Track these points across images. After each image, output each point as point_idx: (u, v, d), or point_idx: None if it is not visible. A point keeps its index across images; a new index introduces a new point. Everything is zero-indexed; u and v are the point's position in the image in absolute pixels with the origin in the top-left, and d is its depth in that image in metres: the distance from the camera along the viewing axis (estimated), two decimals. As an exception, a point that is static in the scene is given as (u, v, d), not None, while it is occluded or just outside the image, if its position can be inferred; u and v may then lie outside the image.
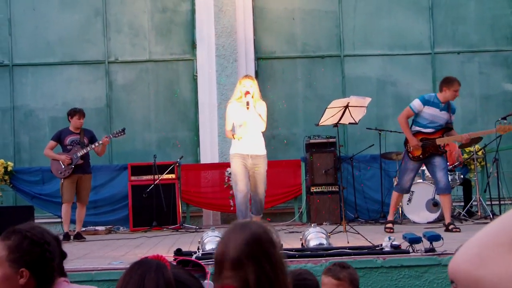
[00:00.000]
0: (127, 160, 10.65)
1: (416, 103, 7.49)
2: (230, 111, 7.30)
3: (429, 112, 7.45)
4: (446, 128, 7.53)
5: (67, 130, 8.60)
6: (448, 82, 7.45)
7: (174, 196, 9.87)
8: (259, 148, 7.18)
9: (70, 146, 8.46)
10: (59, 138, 8.57)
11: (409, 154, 7.52)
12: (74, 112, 8.56)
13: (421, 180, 9.28)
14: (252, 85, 7.18)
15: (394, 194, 7.75)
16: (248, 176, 7.13)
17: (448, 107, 7.50)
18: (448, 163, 9.38)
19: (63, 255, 2.34)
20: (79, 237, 8.25)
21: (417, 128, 7.56)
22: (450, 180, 9.25)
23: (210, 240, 5.21)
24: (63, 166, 8.37)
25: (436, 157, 7.49)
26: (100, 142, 8.51)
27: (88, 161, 8.62)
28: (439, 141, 7.44)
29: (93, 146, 8.47)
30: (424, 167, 8.69)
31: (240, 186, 7.10)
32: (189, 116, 11.54)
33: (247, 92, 7.12)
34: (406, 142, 7.61)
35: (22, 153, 11.37)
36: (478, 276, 0.97)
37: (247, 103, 7.06)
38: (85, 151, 8.42)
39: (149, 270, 1.27)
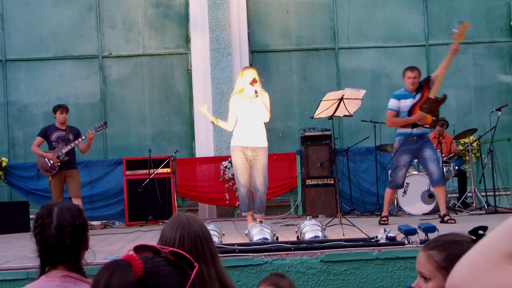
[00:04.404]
0: (122, 155, 10.64)
1: (392, 102, 7.67)
2: (233, 104, 7.15)
3: (406, 104, 7.58)
4: (426, 84, 7.59)
5: (53, 126, 8.64)
6: (402, 74, 7.74)
7: (169, 190, 9.86)
8: (260, 140, 7.07)
9: (56, 143, 8.49)
10: (45, 134, 8.61)
11: (425, 126, 7.47)
12: (57, 107, 8.67)
13: (416, 172, 9.30)
14: (254, 74, 7.08)
15: (388, 191, 7.77)
16: (250, 169, 7.08)
17: (419, 90, 7.58)
18: (443, 155, 9.43)
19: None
20: None
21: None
22: (445, 171, 9.30)
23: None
24: (49, 164, 8.39)
25: (427, 149, 7.53)
26: (84, 137, 8.52)
27: (73, 157, 8.65)
28: (431, 94, 7.44)
29: (77, 141, 8.49)
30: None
31: (242, 180, 7.06)
32: (184, 110, 11.53)
33: (254, 80, 6.98)
34: (419, 119, 7.49)
35: (17, 148, 11.35)
36: None
37: (256, 92, 6.93)
38: (69, 147, 8.45)
39: (114, 273, 1.25)
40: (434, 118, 7.46)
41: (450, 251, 2.12)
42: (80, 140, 8.51)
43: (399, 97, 7.63)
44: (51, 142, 8.53)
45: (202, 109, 7.42)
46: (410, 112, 7.53)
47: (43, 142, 8.63)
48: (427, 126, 7.50)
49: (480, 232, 1.96)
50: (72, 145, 8.47)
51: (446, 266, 2.09)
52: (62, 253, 2.36)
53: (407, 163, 7.65)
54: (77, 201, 8.44)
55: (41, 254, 2.39)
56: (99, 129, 8.84)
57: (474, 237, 1.99)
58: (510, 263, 1.01)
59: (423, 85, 7.56)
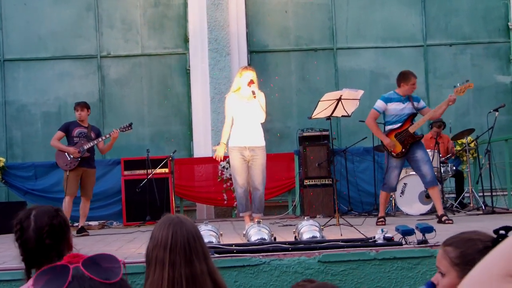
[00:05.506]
0: (120, 155, 10.63)
1: (379, 103, 7.69)
2: (229, 104, 7.14)
3: (394, 107, 7.62)
4: (412, 116, 7.68)
5: (76, 123, 8.60)
6: (405, 77, 7.66)
7: (167, 190, 9.86)
8: (258, 140, 7.05)
9: (77, 138, 8.44)
10: (67, 129, 8.54)
11: (392, 153, 7.58)
12: (75, 105, 8.65)
13: (413, 172, 9.28)
14: (253, 76, 7.05)
15: (383, 194, 7.80)
16: (247, 169, 7.07)
17: (409, 98, 7.66)
18: (440, 155, 9.45)
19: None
20: (82, 231, 8.17)
21: (388, 127, 7.72)
22: (442, 172, 9.31)
23: (204, 234, 5.20)
24: (69, 158, 8.33)
25: (417, 150, 7.55)
26: (108, 135, 8.48)
27: (93, 155, 8.60)
28: (412, 129, 7.55)
29: (100, 139, 8.45)
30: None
31: (239, 181, 7.05)
32: (182, 110, 11.53)
33: (252, 81, 6.96)
34: (383, 144, 7.72)
35: (15, 148, 11.34)
36: None
37: (253, 92, 6.92)
38: (91, 144, 8.40)
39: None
40: (403, 150, 7.54)
41: (464, 248, 2.11)
42: (103, 137, 8.48)
43: (387, 100, 7.67)
44: (72, 138, 8.47)
45: (219, 152, 7.31)
46: (410, 113, 7.58)
47: (63, 137, 8.56)
48: (393, 154, 7.58)
49: (501, 232, 1.95)
50: (95, 142, 8.43)
51: (459, 263, 2.10)
52: (43, 254, 2.37)
53: (399, 164, 7.66)
54: (86, 202, 8.39)
55: (24, 258, 2.40)
56: (124, 130, 8.77)
57: (495, 236, 1.98)
58: (509, 282, 1.03)
59: (410, 116, 7.62)
